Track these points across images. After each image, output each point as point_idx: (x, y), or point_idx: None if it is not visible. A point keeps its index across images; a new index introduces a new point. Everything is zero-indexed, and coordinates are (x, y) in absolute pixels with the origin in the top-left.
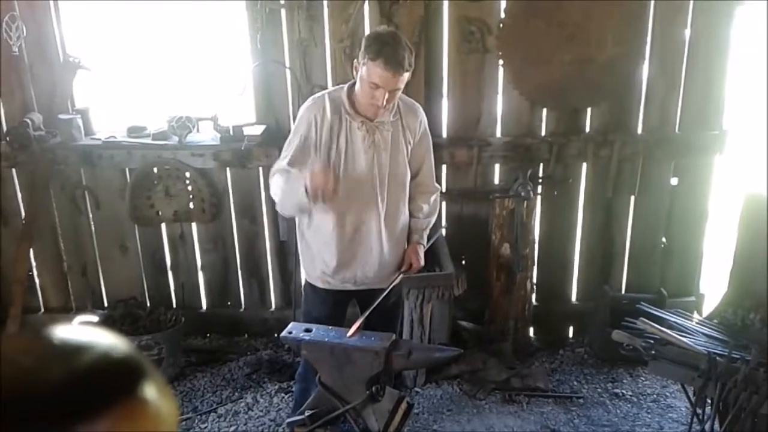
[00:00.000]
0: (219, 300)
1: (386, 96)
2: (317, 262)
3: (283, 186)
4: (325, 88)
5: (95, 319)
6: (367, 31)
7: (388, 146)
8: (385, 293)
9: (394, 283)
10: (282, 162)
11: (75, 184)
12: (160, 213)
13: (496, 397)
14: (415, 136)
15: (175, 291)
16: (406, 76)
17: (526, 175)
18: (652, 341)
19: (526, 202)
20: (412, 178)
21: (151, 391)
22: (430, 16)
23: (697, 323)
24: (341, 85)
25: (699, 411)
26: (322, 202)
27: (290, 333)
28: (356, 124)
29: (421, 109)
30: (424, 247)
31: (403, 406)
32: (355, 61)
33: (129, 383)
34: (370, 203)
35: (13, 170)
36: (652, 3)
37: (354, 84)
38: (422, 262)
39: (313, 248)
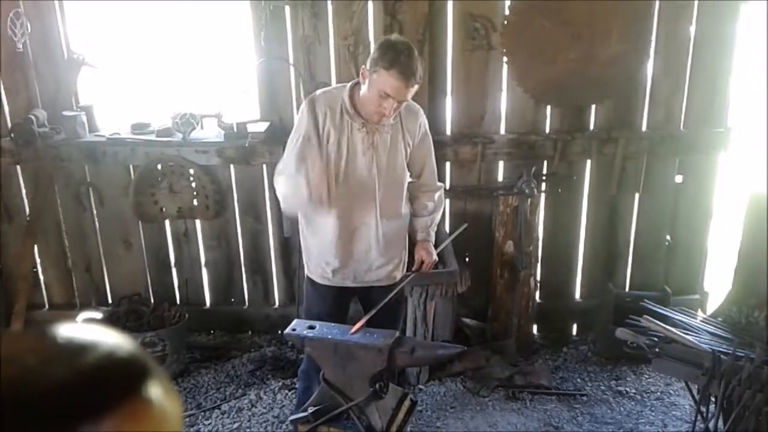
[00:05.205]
0: (223, 297)
1: (394, 106)
2: (318, 261)
3: (285, 191)
4: (329, 85)
5: (99, 315)
6: (370, 29)
7: (387, 148)
8: (395, 291)
9: (405, 282)
10: (288, 161)
11: (79, 181)
12: (164, 210)
13: (499, 394)
14: (414, 138)
15: (179, 287)
16: (416, 88)
17: (530, 172)
18: (656, 339)
19: (530, 199)
20: (415, 179)
21: (155, 390)
22: (434, 14)
23: (701, 321)
24: (343, 84)
25: (703, 409)
26: (322, 205)
27: (294, 330)
28: (356, 125)
29: (421, 111)
30: (432, 243)
31: (407, 403)
32: (363, 67)
33: (133, 383)
34: (367, 203)
35: (18, 167)
36: (657, 1)
37: (356, 84)
38: (435, 257)
39: (313, 248)
